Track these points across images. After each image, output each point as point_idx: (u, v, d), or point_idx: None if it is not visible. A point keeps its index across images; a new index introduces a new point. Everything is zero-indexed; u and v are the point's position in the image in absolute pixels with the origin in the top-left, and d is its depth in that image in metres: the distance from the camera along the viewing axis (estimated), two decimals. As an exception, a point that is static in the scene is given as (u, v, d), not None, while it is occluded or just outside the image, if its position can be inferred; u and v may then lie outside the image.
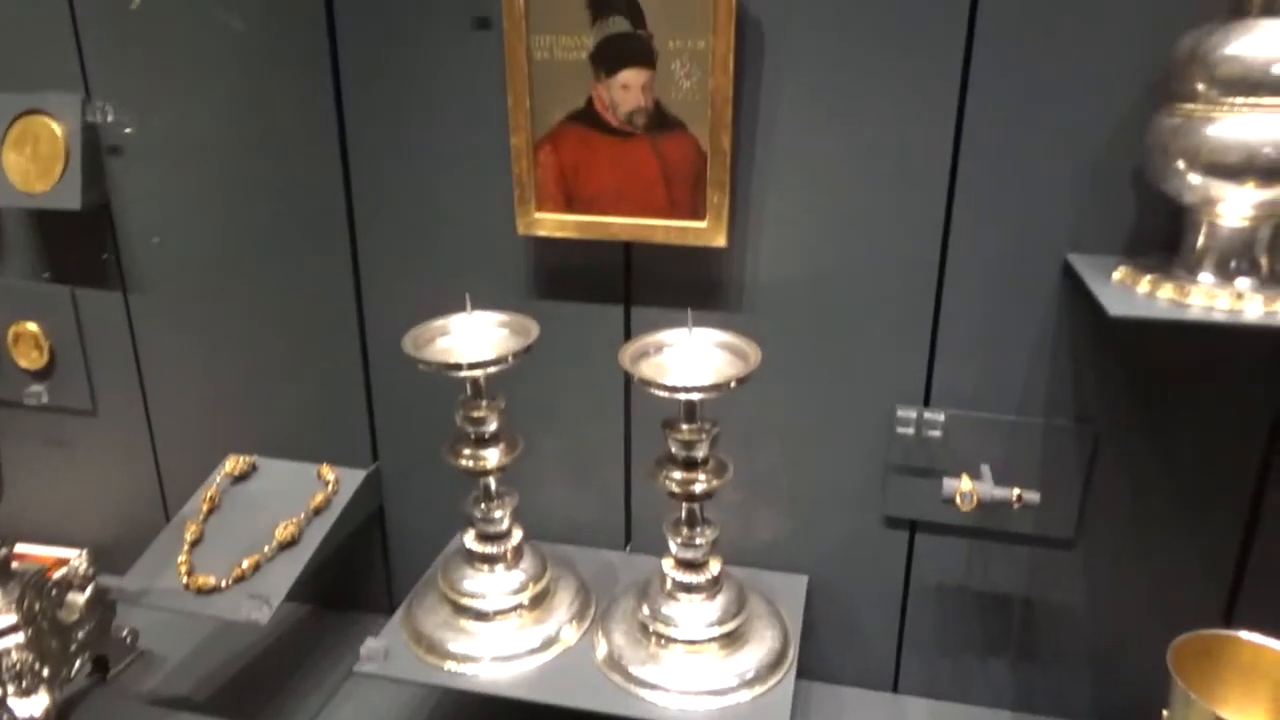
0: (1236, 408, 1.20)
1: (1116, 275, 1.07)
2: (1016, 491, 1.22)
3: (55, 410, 1.70)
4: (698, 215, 1.26)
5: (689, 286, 1.32)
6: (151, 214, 1.52)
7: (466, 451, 1.25)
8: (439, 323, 1.26)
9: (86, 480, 1.76)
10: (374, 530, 1.61)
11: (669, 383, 1.10)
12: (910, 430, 1.29)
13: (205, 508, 1.48)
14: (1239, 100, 0.93)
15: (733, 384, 1.09)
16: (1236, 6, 0.96)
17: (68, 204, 1.49)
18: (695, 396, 1.12)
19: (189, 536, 1.43)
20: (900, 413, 1.30)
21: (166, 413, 1.66)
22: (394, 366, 1.47)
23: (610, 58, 1.22)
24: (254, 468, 1.56)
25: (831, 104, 1.21)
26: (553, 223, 1.32)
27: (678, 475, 1.18)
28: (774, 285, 1.30)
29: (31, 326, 1.65)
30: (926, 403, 1.30)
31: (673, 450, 1.18)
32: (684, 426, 1.16)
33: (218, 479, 1.53)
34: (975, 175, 1.19)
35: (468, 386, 1.23)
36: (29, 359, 1.68)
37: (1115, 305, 0.96)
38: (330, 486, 1.50)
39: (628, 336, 1.38)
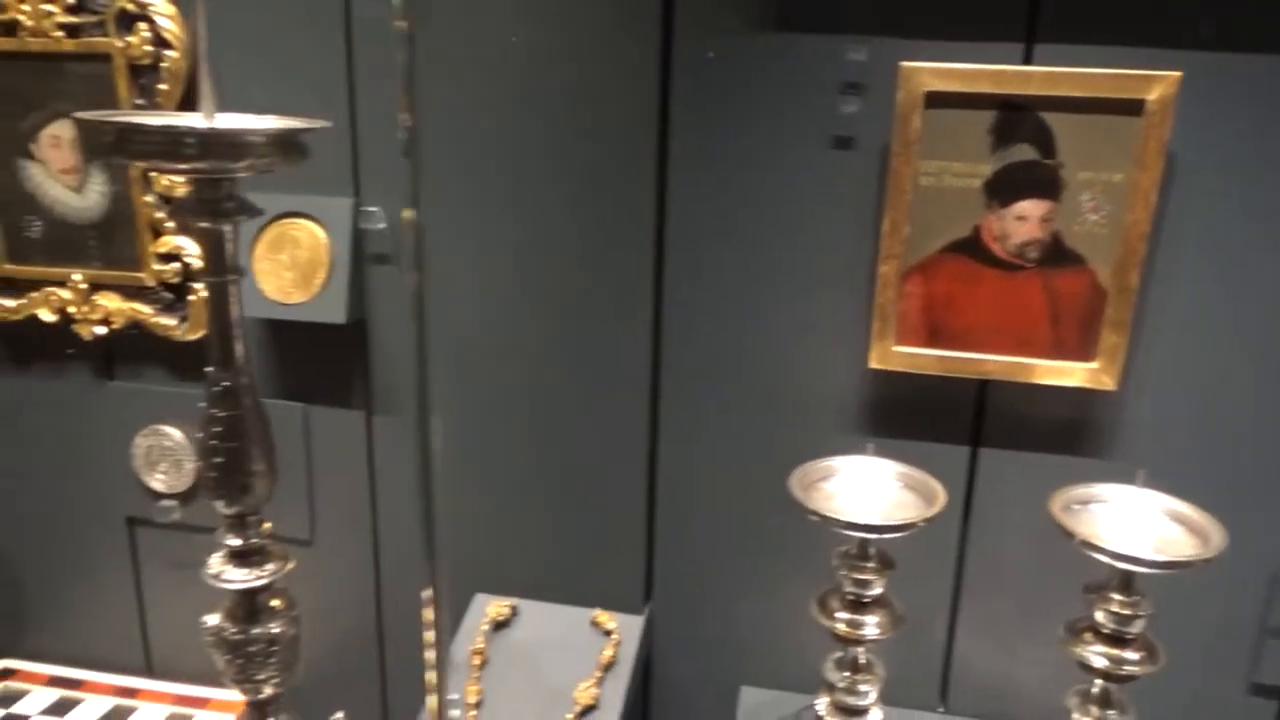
0: None
1: None
2: None
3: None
4: (1087, 356, 1.16)
5: (1055, 430, 1.22)
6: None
7: (843, 615, 1.11)
8: (825, 463, 1.14)
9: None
10: (635, 686, 1.44)
11: (1111, 547, 0.99)
12: (1305, 593, 1.19)
13: (477, 661, 1.30)
14: None
15: (1195, 564, 0.98)
16: None
17: (330, 317, 1.35)
18: (1137, 570, 1.00)
19: (470, 699, 1.25)
20: (1293, 573, 1.19)
21: (398, 546, 1.49)
22: (685, 495, 1.35)
23: (1008, 187, 1.13)
24: (515, 612, 1.39)
25: (1242, 250, 1.13)
26: (910, 357, 1.21)
27: (1102, 650, 1.05)
28: (1158, 434, 1.20)
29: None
30: (1317, 564, 1.20)
31: (1098, 619, 1.05)
32: (1117, 597, 1.04)
33: (482, 626, 1.36)
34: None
35: (855, 544, 1.10)
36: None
37: None
38: (613, 636, 1.34)
39: (970, 481, 1.27)
